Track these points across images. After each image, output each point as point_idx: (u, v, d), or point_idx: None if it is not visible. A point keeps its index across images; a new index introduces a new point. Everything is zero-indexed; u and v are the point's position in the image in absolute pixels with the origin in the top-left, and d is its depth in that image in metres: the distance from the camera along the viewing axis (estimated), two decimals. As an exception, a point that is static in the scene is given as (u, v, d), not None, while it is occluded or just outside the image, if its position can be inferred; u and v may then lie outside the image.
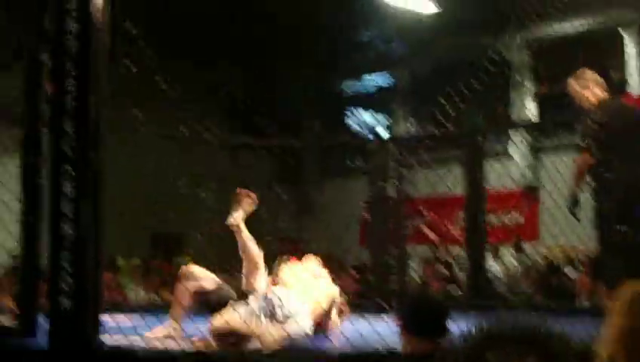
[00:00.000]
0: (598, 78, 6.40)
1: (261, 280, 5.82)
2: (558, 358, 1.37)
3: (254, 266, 5.81)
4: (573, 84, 6.38)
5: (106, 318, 5.03)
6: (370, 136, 17.38)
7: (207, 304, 5.79)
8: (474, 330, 1.43)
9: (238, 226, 5.90)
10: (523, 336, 1.41)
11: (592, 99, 6.26)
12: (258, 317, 5.47)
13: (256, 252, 5.85)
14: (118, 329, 5.24)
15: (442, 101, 6.45)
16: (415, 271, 14.15)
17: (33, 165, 4.89)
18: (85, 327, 4.69)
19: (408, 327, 3.61)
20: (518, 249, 14.41)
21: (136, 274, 12.21)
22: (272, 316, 5.52)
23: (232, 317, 5.36)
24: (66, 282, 4.64)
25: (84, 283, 4.68)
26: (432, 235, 17.73)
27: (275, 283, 6.00)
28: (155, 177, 7.02)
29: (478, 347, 1.39)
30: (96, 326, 4.77)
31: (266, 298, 5.60)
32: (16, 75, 5.13)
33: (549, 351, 1.38)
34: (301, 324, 5.63)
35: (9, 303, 6.49)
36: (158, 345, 5.15)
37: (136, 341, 5.06)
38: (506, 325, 1.44)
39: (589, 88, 6.30)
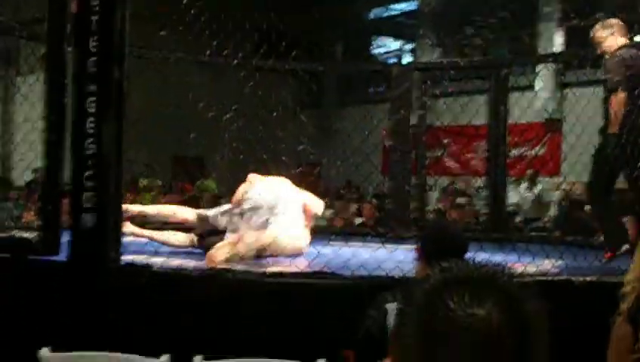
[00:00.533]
0: (623, 25, 6.34)
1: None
2: (517, 301, 1.35)
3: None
4: (599, 31, 6.31)
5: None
6: (394, 63, 17.22)
7: None
8: (433, 275, 1.40)
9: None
10: (482, 280, 1.39)
11: (614, 45, 6.24)
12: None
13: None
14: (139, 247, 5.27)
15: (468, 30, 6.38)
16: (435, 200, 14.18)
17: (57, 83, 4.84)
18: (105, 243, 4.73)
19: (425, 253, 3.58)
20: (533, 183, 14.36)
21: (158, 195, 12.36)
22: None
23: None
24: (88, 199, 4.66)
25: (105, 200, 4.70)
26: (453, 166, 17.70)
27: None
28: (180, 100, 6.98)
29: (436, 291, 1.37)
30: (116, 243, 4.80)
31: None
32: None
33: (509, 295, 1.36)
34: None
35: (33, 219, 6.51)
36: (173, 262, 5.19)
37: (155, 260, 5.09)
38: (465, 269, 1.42)
39: (614, 35, 6.24)
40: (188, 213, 6.44)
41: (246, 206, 6.08)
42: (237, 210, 6.10)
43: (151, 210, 6.59)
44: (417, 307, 1.37)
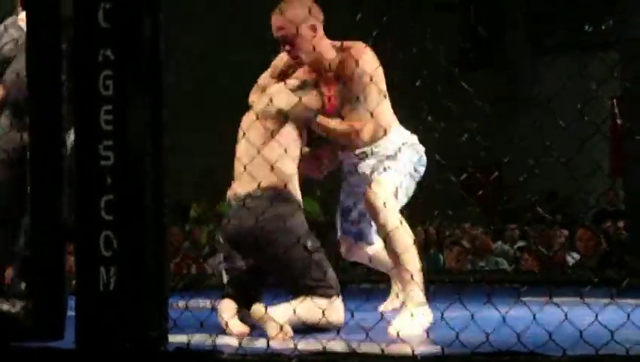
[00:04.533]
0: None
1: None
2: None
3: None
4: None
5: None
6: None
7: None
8: None
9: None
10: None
11: None
12: None
13: None
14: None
15: None
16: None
17: (45, 46, 2.74)
18: (139, 316, 2.69)
19: None
20: None
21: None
22: None
23: None
24: (107, 242, 2.66)
25: (136, 242, 2.68)
26: None
27: None
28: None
29: None
30: (159, 313, 2.74)
31: None
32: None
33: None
34: None
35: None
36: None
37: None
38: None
39: None
40: None
41: None
42: None
43: None
44: None
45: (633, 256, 5.74)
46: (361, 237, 4.35)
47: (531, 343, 2.68)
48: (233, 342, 3.17)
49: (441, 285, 4.92)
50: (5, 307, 2.84)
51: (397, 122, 4.10)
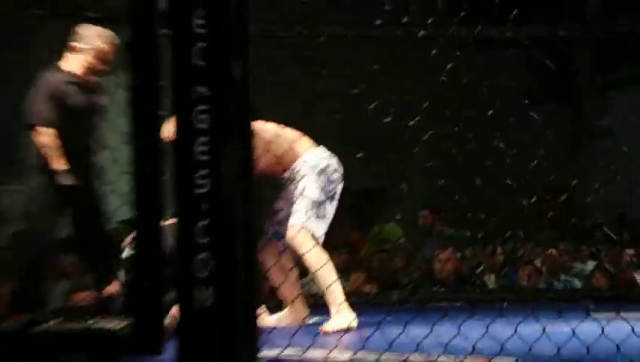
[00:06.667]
0: None
1: None
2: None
3: None
4: None
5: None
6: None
7: None
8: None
9: None
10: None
11: None
12: None
13: None
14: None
15: None
16: None
17: (147, 86, 2.88)
18: (234, 333, 2.79)
19: None
20: None
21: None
22: None
23: None
24: (202, 264, 2.76)
25: (230, 263, 2.79)
26: None
27: None
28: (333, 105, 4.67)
29: None
30: (252, 331, 2.84)
31: None
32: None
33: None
34: None
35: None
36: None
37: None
38: None
39: None
40: None
41: None
42: None
43: None
44: None
45: None
46: (278, 237, 5.10)
47: (599, 357, 2.70)
48: (320, 354, 3.27)
49: (515, 303, 4.98)
50: (111, 325, 2.98)
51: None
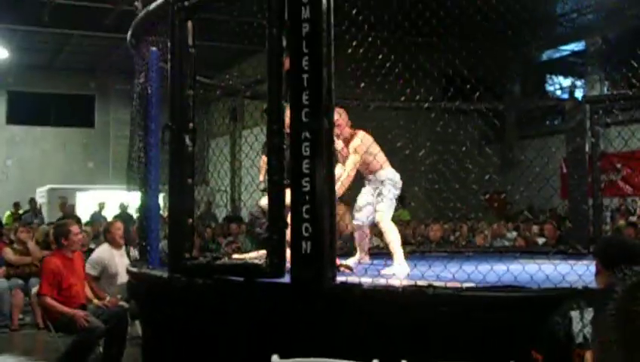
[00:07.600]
0: None
1: None
2: None
3: None
4: None
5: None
6: (567, 98, 16.78)
7: None
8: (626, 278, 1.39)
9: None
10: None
11: None
12: None
13: None
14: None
15: (634, 64, 6.23)
16: (609, 220, 13.77)
17: (277, 133, 5.03)
18: (322, 266, 4.85)
19: (607, 264, 3.50)
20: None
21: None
22: None
23: None
24: (306, 229, 4.81)
25: (320, 229, 4.83)
26: (625, 188, 17.05)
27: None
28: (379, 141, 7.16)
29: (629, 296, 1.33)
30: (331, 265, 4.91)
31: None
32: (261, 59, 5.31)
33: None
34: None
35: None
36: (382, 281, 5.26)
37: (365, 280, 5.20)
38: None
39: None
40: None
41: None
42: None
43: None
44: (619, 307, 1.35)
45: (575, 239, 8.35)
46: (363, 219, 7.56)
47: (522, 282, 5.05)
48: (380, 281, 5.31)
49: (475, 254, 7.76)
50: (256, 260, 5.18)
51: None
